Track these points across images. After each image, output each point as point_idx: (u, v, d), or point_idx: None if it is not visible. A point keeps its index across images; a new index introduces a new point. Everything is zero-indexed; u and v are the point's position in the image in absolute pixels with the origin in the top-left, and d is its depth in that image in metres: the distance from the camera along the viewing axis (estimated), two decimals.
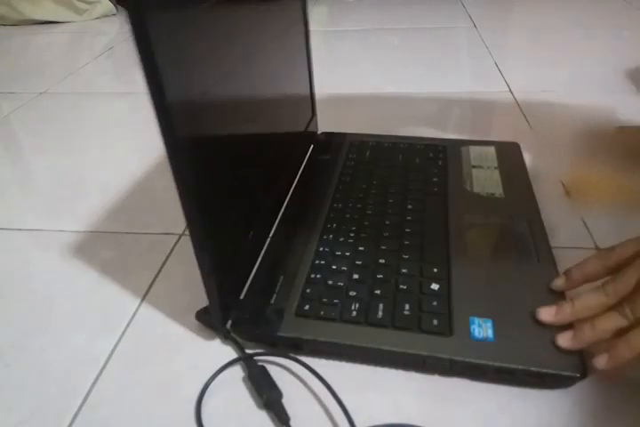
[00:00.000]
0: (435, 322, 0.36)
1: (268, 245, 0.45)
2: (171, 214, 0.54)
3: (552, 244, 0.43)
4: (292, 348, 0.37)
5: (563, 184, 0.55)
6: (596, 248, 0.47)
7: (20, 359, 0.39)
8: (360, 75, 0.92)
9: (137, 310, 0.43)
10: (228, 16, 0.36)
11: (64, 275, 0.47)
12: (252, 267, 0.42)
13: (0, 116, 0.83)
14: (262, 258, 0.43)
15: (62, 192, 0.60)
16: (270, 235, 0.46)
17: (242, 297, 0.39)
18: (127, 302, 0.44)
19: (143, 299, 0.44)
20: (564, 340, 0.34)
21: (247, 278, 0.41)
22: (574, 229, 0.49)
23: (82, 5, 1.35)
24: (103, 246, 0.51)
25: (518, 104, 0.75)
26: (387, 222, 0.47)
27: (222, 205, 0.42)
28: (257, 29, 0.43)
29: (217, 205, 0.41)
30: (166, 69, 0.26)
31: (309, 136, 0.60)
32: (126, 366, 0.38)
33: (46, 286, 0.46)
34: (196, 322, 0.40)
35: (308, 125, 0.59)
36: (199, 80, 0.31)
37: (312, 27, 1.21)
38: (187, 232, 0.51)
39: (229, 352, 0.38)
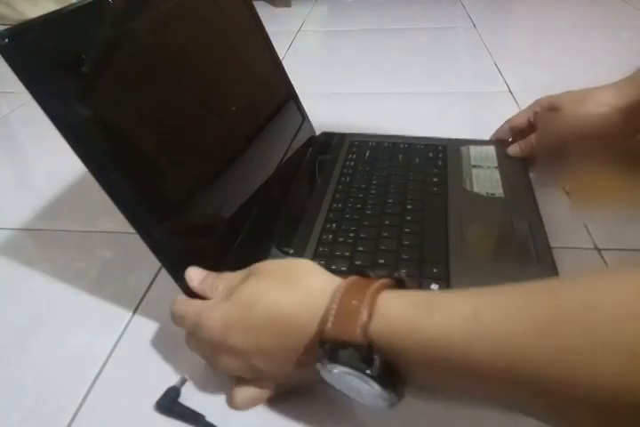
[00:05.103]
0: None
1: (267, 246, 0.45)
2: None
3: (551, 244, 0.43)
4: None
5: (563, 186, 0.55)
6: (596, 248, 0.47)
7: (20, 359, 0.39)
8: (360, 74, 0.92)
9: (136, 309, 0.43)
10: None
11: (64, 275, 0.47)
12: None
13: (0, 115, 0.83)
14: (260, 258, 0.43)
15: (62, 192, 0.60)
16: (269, 235, 0.46)
17: None
18: (126, 301, 0.44)
19: (142, 299, 0.44)
20: None
21: None
22: (574, 229, 0.49)
23: None
24: (103, 246, 0.51)
25: (517, 104, 0.75)
26: (386, 222, 0.46)
27: (218, 209, 0.42)
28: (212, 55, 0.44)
29: (213, 209, 0.41)
30: None
31: (305, 139, 0.60)
32: (126, 366, 0.38)
33: (46, 286, 0.46)
34: None
35: (299, 129, 0.58)
36: None
37: (312, 27, 1.22)
38: None
39: None
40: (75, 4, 0.32)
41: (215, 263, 0.38)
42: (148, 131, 0.36)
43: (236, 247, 0.41)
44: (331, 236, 0.45)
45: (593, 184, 0.55)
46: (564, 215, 0.51)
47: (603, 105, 0.47)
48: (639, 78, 0.48)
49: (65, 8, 0.31)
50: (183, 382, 0.35)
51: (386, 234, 0.45)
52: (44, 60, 0.28)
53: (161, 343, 0.39)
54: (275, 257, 0.43)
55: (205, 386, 0.35)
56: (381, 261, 0.42)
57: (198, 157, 0.40)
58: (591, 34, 1.05)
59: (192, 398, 0.35)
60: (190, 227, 0.38)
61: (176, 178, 0.37)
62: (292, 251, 0.44)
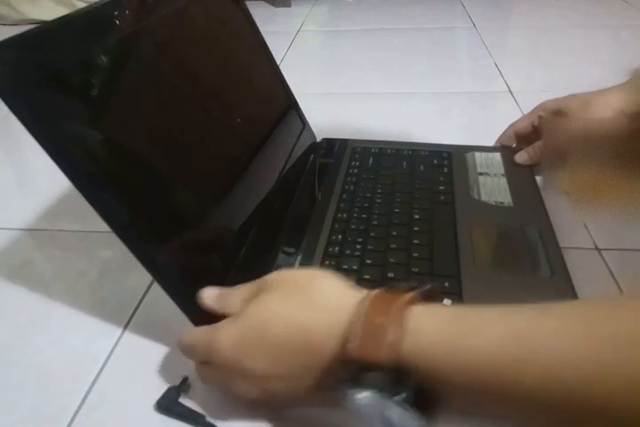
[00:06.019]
0: None
1: (272, 259, 0.43)
2: None
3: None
4: None
5: (563, 187, 0.55)
6: (596, 248, 0.47)
7: (20, 359, 0.39)
8: (360, 75, 0.92)
9: (136, 309, 0.43)
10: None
11: (64, 275, 0.47)
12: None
13: (0, 115, 0.83)
14: (266, 272, 0.42)
15: (62, 192, 0.60)
16: (273, 249, 0.44)
17: None
18: (126, 301, 0.44)
19: (142, 298, 0.44)
20: None
21: None
22: (574, 229, 0.49)
23: (82, 5, 1.35)
24: (103, 246, 0.51)
25: (518, 104, 0.75)
26: (393, 233, 0.44)
27: (218, 225, 0.40)
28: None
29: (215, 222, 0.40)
30: None
31: (306, 147, 0.58)
32: (126, 367, 0.38)
33: (46, 286, 0.46)
34: None
35: (300, 137, 0.57)
36: None
37: (312, 27, 1.22)
38: None
39: None
40: (57, 18, 0.31)
41: (218, 282, 0.36)
42: (143, 147, 0.34)
43: (238, 264, 0.40)
44: (337, 248, 0.43)
45: (593, 184, 0.55)
46: (564, 216, 0.51)
47: (611, 109, 0.46)
48: None
49: (45, 24, 0.30)
50: (183, 381, 0.35)
51: (394, 246, 0.43)
52: (25, 76, 0.27)
53: (161, 343, 0.39)
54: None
55: (205, 386, 0.35)
56: (391, 274, 0.40)
57: (197, 171, 0.39)
58: (591, 34, 1.05)
59: (192, 398, 0.35)
60: (191, 246, 0.36)
61: (174, 194, 0.36)
62: (297, 263, 0.42)
